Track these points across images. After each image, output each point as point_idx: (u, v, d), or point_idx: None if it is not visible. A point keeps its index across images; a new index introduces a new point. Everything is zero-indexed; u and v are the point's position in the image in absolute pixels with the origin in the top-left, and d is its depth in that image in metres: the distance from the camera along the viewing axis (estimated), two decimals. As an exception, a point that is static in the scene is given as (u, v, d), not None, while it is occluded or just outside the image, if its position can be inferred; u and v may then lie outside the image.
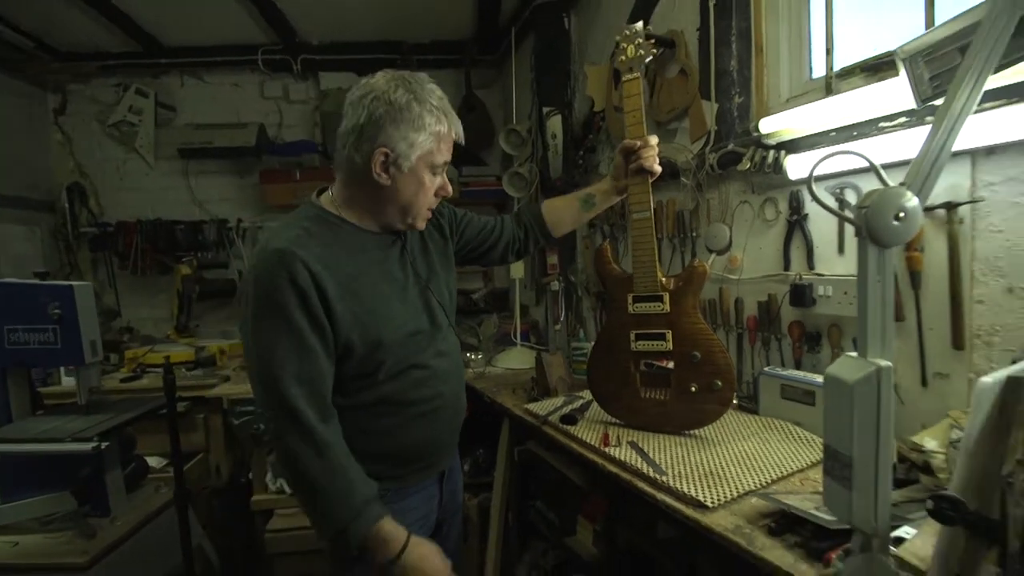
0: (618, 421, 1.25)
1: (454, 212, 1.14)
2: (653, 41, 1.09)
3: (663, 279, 1.14)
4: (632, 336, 1.17)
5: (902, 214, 0.56)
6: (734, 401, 1.39)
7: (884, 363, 0.56)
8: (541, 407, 1.46)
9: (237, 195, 2.81)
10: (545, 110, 2.18)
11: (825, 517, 0.76)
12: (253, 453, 1.98)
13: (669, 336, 1.13)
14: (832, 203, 0.57)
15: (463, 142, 0.95)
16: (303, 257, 0.82)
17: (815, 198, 0.61)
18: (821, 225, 1.27)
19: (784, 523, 0.80)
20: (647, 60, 1.10)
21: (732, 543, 0.78)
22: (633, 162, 1.10)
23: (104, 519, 1.39)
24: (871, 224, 0.56)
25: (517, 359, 2.17)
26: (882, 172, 0.58)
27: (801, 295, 1.24)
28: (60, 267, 2.65)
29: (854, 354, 0.61)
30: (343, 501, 0.82)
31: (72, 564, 1.25)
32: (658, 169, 1.11)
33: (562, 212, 1.21)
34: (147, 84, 2.71)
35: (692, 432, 1.19)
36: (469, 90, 2.73)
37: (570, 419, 1.33)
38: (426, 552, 0.86)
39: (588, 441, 1.17)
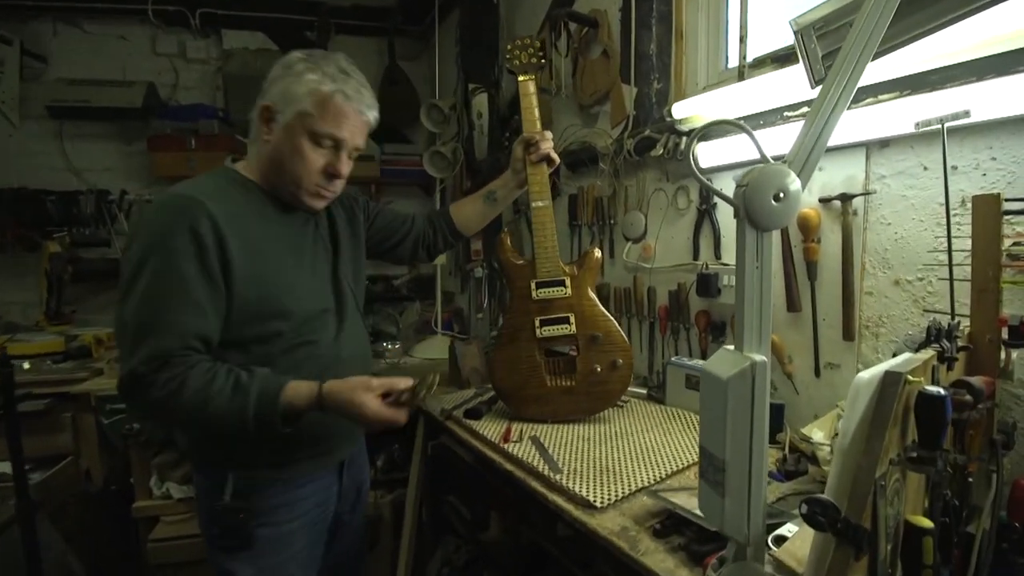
0: (524, 417, 1.21)
1: (367, 202, 1.14)
2: (542, 52, 1.18)
3: (564, 265, 1.16)
4: (537, 323, 1.16)
5: (782, 194, 0.50)
6: (644, 391, 1.38)
7: (759, 358, 0.51)
8: (449, 400, 1.41)
9: (122, 163, 2.46)
10: (471, 87, 2.06)
11: (709, 517, 0.71)
12: (132, 455, 1.75)
13: (573, 320, 1.15)
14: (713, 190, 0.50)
15: (371, 120, 0.91)
16: (211, 209, 0.79)
17: (694, 173, 0.54)
18: (729, 215, 1.26)
19: (671, 523, 0.76)
20: (539, 65, 1.18)
21: (616, 548, 0.73)
22: (532, 153, 1.13)
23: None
24: (749, 204, 0.50)
25: (437, 349, 2.09)
26: (761, 147, 0.52)
27: (707, 284, 1.23)
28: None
29: (730, 347, 0.55)
30: (242, 399, 0.78)
31: None
32: (557, 158, 1.15)
33: (468, 210, 1.21)
34: (11, 30, 2.30)
35: (598, 418, 1.20)
36: (392, 61, 2.54)
37: (475, 413, 1.26)
38: (341, 380, 0.82)
39: (488, 437, 1.12)
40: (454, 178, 2.28)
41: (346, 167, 0.90)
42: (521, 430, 1.15)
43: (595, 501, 0.83)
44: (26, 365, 1.88)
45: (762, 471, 0.54)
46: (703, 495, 0.57)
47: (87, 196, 2.28)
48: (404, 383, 0.84)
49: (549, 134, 1.15)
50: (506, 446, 1.06)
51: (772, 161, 0.51)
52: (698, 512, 0.73)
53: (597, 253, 1.17)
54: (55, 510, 1.64)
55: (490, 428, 1.17)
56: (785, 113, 1.09)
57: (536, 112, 1.15)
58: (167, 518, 1.79)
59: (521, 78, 1.17)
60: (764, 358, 0.51)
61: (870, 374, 0.55)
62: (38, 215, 2.25)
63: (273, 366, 0.84)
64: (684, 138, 1.29)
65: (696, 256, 1.33)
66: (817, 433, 0.90)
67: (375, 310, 2.55)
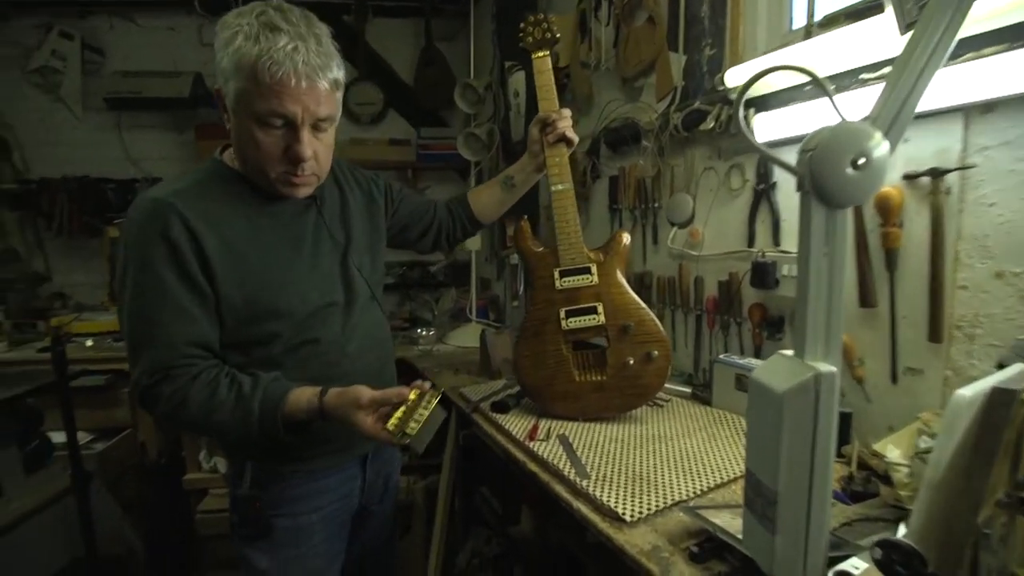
0: (552, 414, 1.15)
1: (390, 185, 1.07)
2: (556, 27, 1.12)
3: (589, 252, 1.10)
4: (562, 314, 1.10)
5: (862, 161, 0.39)
6: (687, 390, 1.28)
7: (826, 368, 0.41)
8: (477, 391, 1.35)
9: (175, 152, 2.57)
10: (507, 65, 1.97)
11: (756, 544, 0.61)
12: (182, 430, 1.84)
13: (601, 309, 1.08)
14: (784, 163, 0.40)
15: (327, 81, 0.73)
16: (181, 210, 0.75)
17: (744, 130, 0.44)
18: (790, 195, 1.12)
19: (711, 547, 0.67)
20: (553, 40, 1.12)
21: (644, 570, 0.65)
22: (549, 133, 1.08)
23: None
24: (818, 172, 0.39)
25: (471, 336, 2.02)
26: (835, 100, 0.41)
27: (763, 274, 1.11)
28: (-20, 228, 2.43)
29: (788, 352, 0.45)
30: (244, 413, 0.77)
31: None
32: (575, 138, 1.09)
33: (485, 198, 1.17)
34: (72, 25, 2.43)
35: (633, 419, 1.13)
36: (429, 41, 2.48)
37: (502, 406, 1.20)
38: (342, 389, 0.78)
39: (514, 433, 1.07)
40: (490, 160, 2.21)
41: (310, 147, 0.75)
42: (549, 428, 1.09)
43: (624, 513, 0.75)
44: (89, 343, 2.01)
45: (824, 506, 0.44)
46: (748, 528, 0.48)
47: (143, 184, 2.40)
48: (401, 394, 0.77)
49: (567, 112, 1.08)
50: (531, 444, 1.00)
51: (847, 120, 0.40)
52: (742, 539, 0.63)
53: (625, 237, 1.10)
54: (113, 481, 1.74)
55: (516, 424, 1.11)
56: (862, 76, 0.93)
57: (553, 90, 1.10)
58: (215, 491, 1.87)
59: (536, 55, 1.11)
60: (833, 368, 0.41)
61: (973, 391, 0.43)
62: (99, 202, 2.39)
63: (278, 366, 0.81)
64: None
65: (751, 243, 1.20)
66: (892, 450, 0.77)
67: (412, 296, 2.55)
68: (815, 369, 0.41)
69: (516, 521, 1.59)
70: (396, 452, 1.08)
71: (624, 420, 1.12)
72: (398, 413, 0.76)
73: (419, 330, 2.05)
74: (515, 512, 1.60)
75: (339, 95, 0.79)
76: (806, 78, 0.98)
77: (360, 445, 0.95)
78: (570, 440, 1.02)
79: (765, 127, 1.12)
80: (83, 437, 1.84)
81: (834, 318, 0.42)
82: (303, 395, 0.78)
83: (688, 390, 1.28)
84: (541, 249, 1.13)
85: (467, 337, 2.04)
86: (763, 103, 1.12)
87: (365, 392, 0.76)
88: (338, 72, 0.76)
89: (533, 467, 0.94)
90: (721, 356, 1.18)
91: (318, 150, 0.78)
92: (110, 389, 1.94)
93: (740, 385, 1.12)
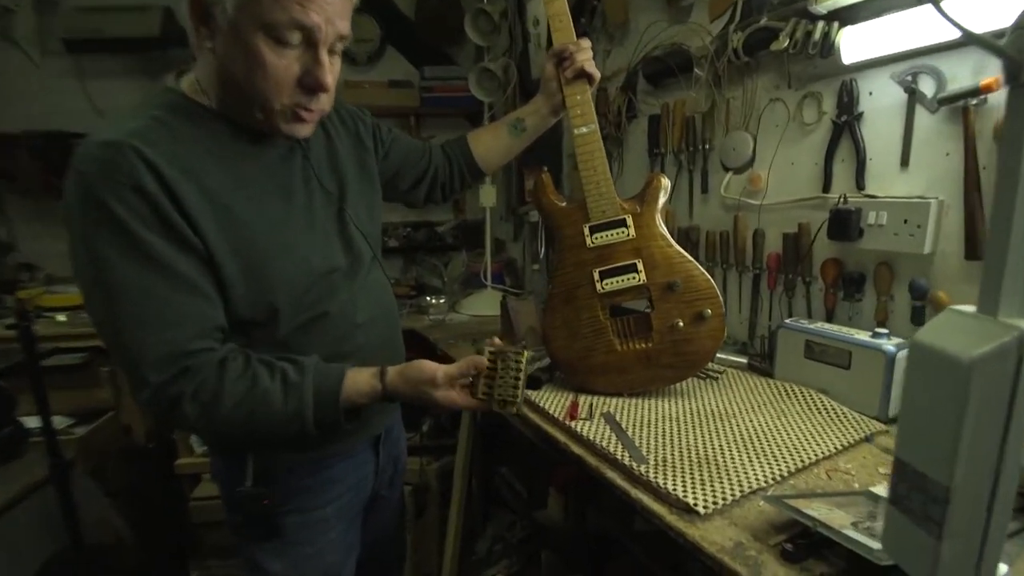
0: (592, 390, 1.10)
1: (377, 123, 0.99)
2: None
3: (622, 202, 1.05)
4: (596, 276, 1.05)
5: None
6: (743, 360, 1.23)
7: (1037, 325, 0.32)
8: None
9: (147, 100, 2.44)
10: (525, -13, 1.82)
11: (870, 544, 0.56)
12: (171, 411, 1.81)
13: (641, 266, 1.04)
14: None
15: None
16: (146, 154, 0.63)
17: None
18: (880, 128, 1.02)
19: (805, 544, 0.62)
20: None
21: (729, 571, 0.60)
22: (567, 68, 1.00)
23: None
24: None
25: (487, 304, 1.97)
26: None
27: (844, 224, 1.02)
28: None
29: (968, 308, 0.37)
30: (298, 405, 0.72)
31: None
32: (597, 72, 1.02)
33: (488, 142, 1.11)
34: (21, -47, 2.27)
35: (684, 393, 1.09)
36: (432, -37, 2.31)
37: (534, 382, 1.15)
38: (402, 367, 0.78)
39: (551, 411, 1.02)
40: (504, 102, 2.08)
41: (331, 73, 0.69)
42: (590, 404, 1.04)
43: (696, 505, 0.70)
44: (61, 317, 1.95)
45: (1008, 505, 0.36)
46: (894, 529, 0.41)
47: (113, 137, 2.28)
48: (477, 364, 0.78)
49: (587, 43, 1.00)
50: (573, 424, 0.95)
51: None
52: (852, 535, 0.57)
53: (664, 179, 1.04)
54: (97, 467, 1.72)
55: (552, 400, 1.06)
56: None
57: (568, 19, 1.02)
58: (209, 476, 1.85)
59: None
60: (1050, 326, 0.32)
61: None
62: (68, 160, 2.28)
63: (283, 349, 0.76)
64: (820, 23, 1.03)
65: (827, 187, 1.11)
66: None
67: (417, 260, 2.48)
68: (1018, 328, 0.33)
69: (542, 505, 1.58)
70: (402, 431, 1.08)
71: (674, 394, 1.08)
72: (482, 381, 0.78)
73: (428, 298, 1.99)
74: (541, 495, 1.58)
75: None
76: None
77: (374, 424, 0.92)
78: (616, 418, 0.97)
79: (852, 44, 1.00)
80: (62, 422, 1.81)
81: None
82: (360, 377, 0.76)
83: (744, 360, 1.23)
84: (566, 204, 1.08)
85: (483, 305, 1.99)
86: (851, 14, 1.00)
87: (437, 369, 0.76)
88: None
89: (578, 450, 0.89)
90: (787, 321, 1.11)
91: (330, 82, 0.70)
92: (88, 368, 1.89)
93: (811, 353, 1.06)
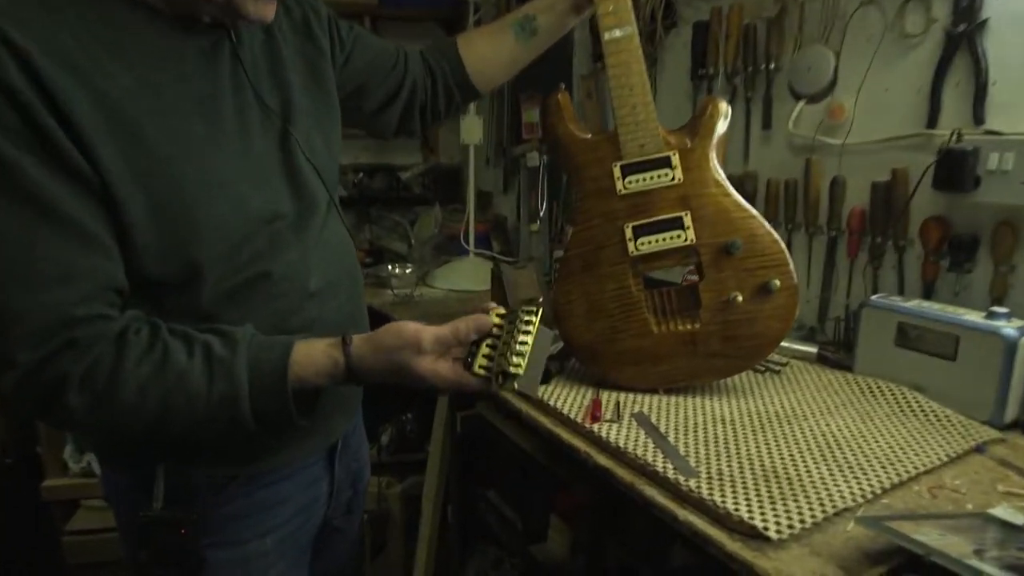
0: (617, 383, 1.11)
1: (334, 18, 0.98)
2: None
3: (666, 133, 1.03)
4: (628, 232, 1.05)
5: None
6: (811, 349, 1.25)
7: None
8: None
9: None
10: None
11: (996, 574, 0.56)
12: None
13: (688, 220, 1.03)
14: None
15: None
16: (13, 39, 0.60)
17: None
18: (1010, 41, 1.03)
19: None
20: None
21: None
22: None
23: None
24: None
25: (469, 275, 1.98)
26: None
27: (956, 169, 1.04)
28: None
29: None
30: (228, 388, 0.70)
31: None
32: None
33: (485, 49, 1.10)
34: None
35: (736, 390, 1.10)
36: None
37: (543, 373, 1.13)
38: (373, 333, 0.77)
39: (564, 411, 1.02)
40: (497, 2, 2.04)
41: None
42: (617, 402, 1.04)
43: (767, 529, 0.70)
44: None
45: None
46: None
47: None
48: (479, 326, 0.75)
49: None
50: (595, 428, 0.95)
51: None
52: (980, 565, 0.57)
53: (722, 104, 1.04)
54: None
55: (566, 398, 1.07)
56: None
57: None
58: (90, 502, 1.83)
59: None
60: None
61: None
62: None
63: (207, 320, 0.74)
64: None
65: (933, 121, 1.13)
66: None
67: (373, 217, 2.46)
68: None
69: (541, 538, 1.58)
70: (364, 439, 1.09)
71: (722, 392, 1.10)
72: (483, 351, 0.74)
73: (390, 267, 1.99)
74: (539, 525, 1.58)
75: None
76: None
77: (330, 428, 0.92)
78: (652, 420, 0.98)
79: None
80: None
81: None
82: (314, 349, 0.73)
83: (812, 349, 1.25)
84: (590, 136, 1.07)
85: (463, 276, 1.99)
86: None
87: (421, 331, 0.73)
88: None
89: (604, 461, 0.90)
90: (874, 297, 1.12)
91: None
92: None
93: (904, 340, 1.07)
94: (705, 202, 1.02)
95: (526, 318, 0.74)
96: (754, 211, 1.03)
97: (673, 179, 1.02)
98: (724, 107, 1.03)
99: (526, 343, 0.72)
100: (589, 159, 1.06)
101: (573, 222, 1.07)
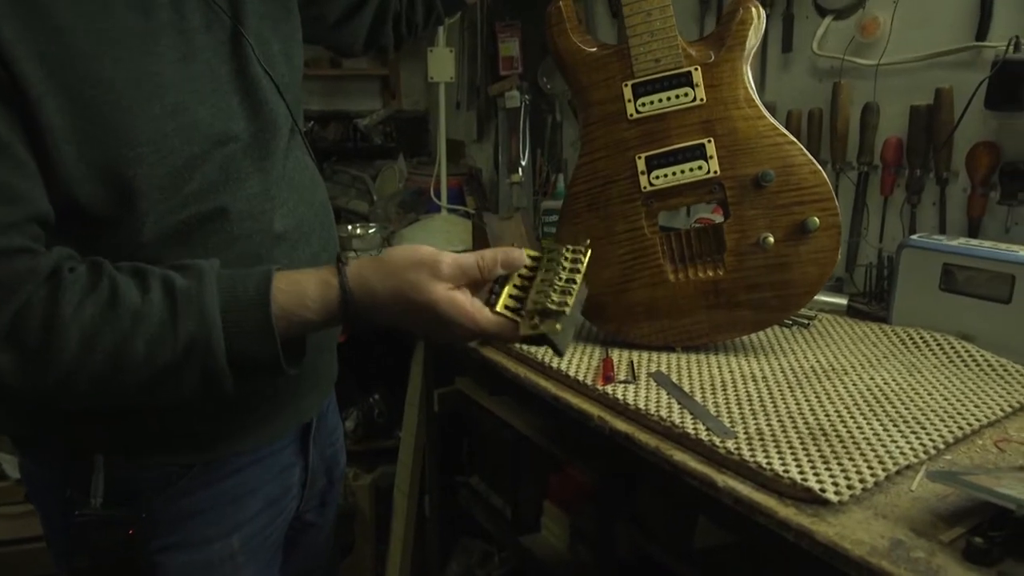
0: (628, 340, 1.11)
1: None
2: None
3: (687, 45, 1.00)
4: (640, 164, 1.02)
5: None
6: (841, 301, 1.26)
7: None
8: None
9: None
10: None
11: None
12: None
13: (712, 148, 0.99)
14: None
15: None
16: None
17: None
18: None
19: (1003, 537, 0.61)
20: None
21: None
22: None
23: None
24: None
25: (441, 235, 1.98)
26: None
27: (1014, 84, 1.04)
28: None
29: None
30: (199, 329, 0.65)
31: None
32: None
33: None
34: None
35: (763, 347, 1.10)
36: None
37: (539, 335, 1.12)
38: (379, 256, 0.74)
39: (572, 374, 1.01)
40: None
41: None
42: (631, 361, 1.04)
43: (824, 491, 0.69)
44: None
45: None
46: None
47: None
48: (509, 259, 0.72)
49: None
50: (609, 390, 0.94)
51: None
52: None
53: (755, 9, 1.00)
54: None
55: (569, 358, 1.06)
56: None
57: None
58: (7, 507, 1.82)
59: None
60: None
61: None
62: None
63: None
64: None
65: (983, 31, 1.13)
66: None
67: (327, 171, 2.46)
68: None
69: (533, 528, 1.59)
70: (340, 420, 1.09)
71: (746, 349, 1.10)
72: (508, 290, 0.71)
73: (349, 227, 1.97)
74: (531, 514, 1.59)
75: None
76: None
77: (304, 405, 0.91)
78: (670, 377, 0.98)
79: None
80: None
81: None
82: (301, 275, 0.69)
83: (842, 301, 1.27)
84: (596, 49, 1.04)
85: (435, 236, 1.98)
86: None
87: (441, 253, 0.69)
88: None
89: (623, 426, 0.89)
90: (913, 237, 1.13)
91: None
92: None
93: (950, 283, 1.07)
94: (733, 126, 0.99)
95: (572, 256, 0.73)
96: (791, 136, 1.00)
97: (694, 99, 0.99)
98: (757, 12, 0.99)
99: (574, 281, 0.70)
100: (596, 79, 1.03)
101: (581, 152, 1.05)
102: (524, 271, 0.73)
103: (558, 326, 0.67)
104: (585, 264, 0.73)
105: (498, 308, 0.69)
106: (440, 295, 0.68)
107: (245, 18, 0.80)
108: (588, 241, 0.77)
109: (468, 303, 0.70)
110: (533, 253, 0.75)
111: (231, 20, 0.78)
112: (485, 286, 0.73)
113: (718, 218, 1.21)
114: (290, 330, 0.68)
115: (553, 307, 0.68)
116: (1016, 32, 1.06)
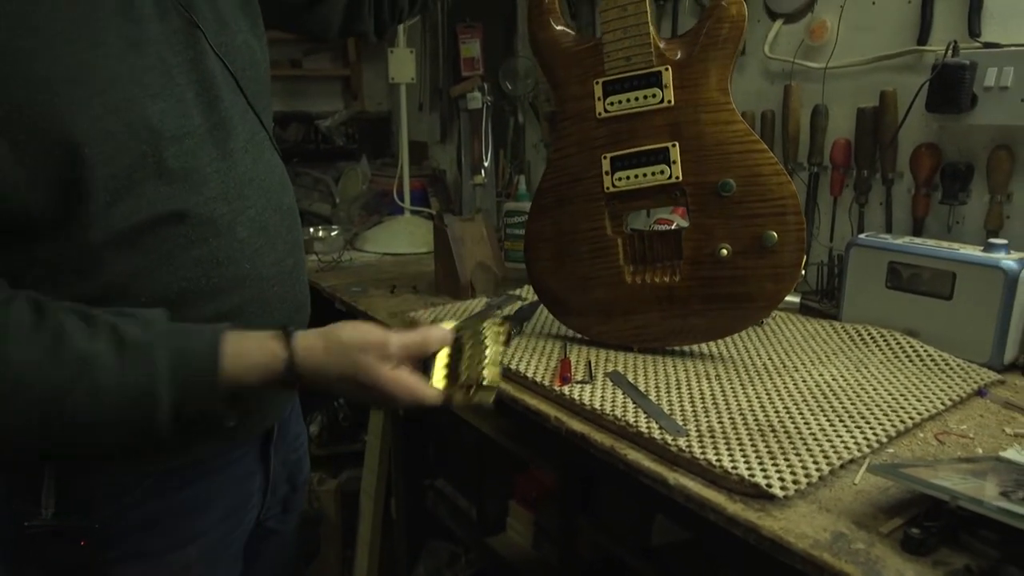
0: (588, 339, 1.12)
1: None
2: None
3: (661, 41, 0.97)
4: (605, 164, 1.02)
5: None
6: (794, 299, 1.26)
7: None
8: (443, 316, 1.34)
9: None
10: None
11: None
12: None
13: (675, 153, 0.97)
14: None
15: None
16: None
17: None
18: None
19: (937, 528, 0.63)
20: None
21: (833, 573, 0.60)
22: None
23: None
24: None
25: (404, 237, 1.98)
26: None
27: (952, 87, 1.06)
28: None
29: None
30: (145, 382, 0.64)
31: None
32: None
33: None
34: None
35: (719, 341, 1.11)
36: None
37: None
38: (325, 329, 0.75)
39: (529, 375, 1.01)
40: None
41: None
42: (588, 361, 1.04)
43: (771, 486, 0.70)
44: None
45: None
46: None
47: None
48: (441, 339, 0.77)
49: None
50: (565, 391, 0.94)
51: None
52: (1013, 507, 0.58)
53: (735, 7, 0.95)
54: None
55: (528, 360, 1.06)
56: None
57: None
58: None
59: None
60: None
61: None
62: None
63: (99, 280, 0.69)
64: None
65: (924, 36, 1.15)
66: None
67: (289, 173, 2.38)
68: None
69: (500, 528, 1.59)
70: (303, 425, 1.08)
71: (703, 347, 1.11)
72: (442, 360, 0.77)
73: (312, 230, 1.97)
74: (498, 515, 1.59)
75: None
76: None
77: (265, 412, 0.89)
78: (627, 376, 0.98)
79: None
80: None
81: None
82: (248, 343, 0.69)
83: (795, 299, 1.27)
84: (574, 44, 1.02)
85: (398, 238, 1.98)
86: None
87: (389, 334, 0.72)
88: None
89: (579, 426, 0.89)
90: (862, 236, 1.14)
91: None
92: None
93: (895, 281, 1.09)
94: (700, 131, 0.97)
95: (496, 328, 0.80)
96: (763, 144, 0.97)
97: (662, 101, 0.96)
98: (739, 10, 0.94)
99: (499, 352, 0.77)
100: (572, 74, 1.01)
101: (553, 148, 1.06)
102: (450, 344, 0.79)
103: (491, 397, 0.75)
104: (503, 334, 0.80)
105: (437, 383, 0.75)
106: (387, 377, 0.71)
107: (201, 6, 0.77)
108: (504, 315, 0.85)
109: (412, 381, 0.73)
110: (453, 323, 0.81)
111: (184, 8, 0.74)
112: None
113: (677, 219, 1.22)
114: (234, 391, 0.69)
115: (485, 382, 0.75)
116: (954, 37, 1.08)
